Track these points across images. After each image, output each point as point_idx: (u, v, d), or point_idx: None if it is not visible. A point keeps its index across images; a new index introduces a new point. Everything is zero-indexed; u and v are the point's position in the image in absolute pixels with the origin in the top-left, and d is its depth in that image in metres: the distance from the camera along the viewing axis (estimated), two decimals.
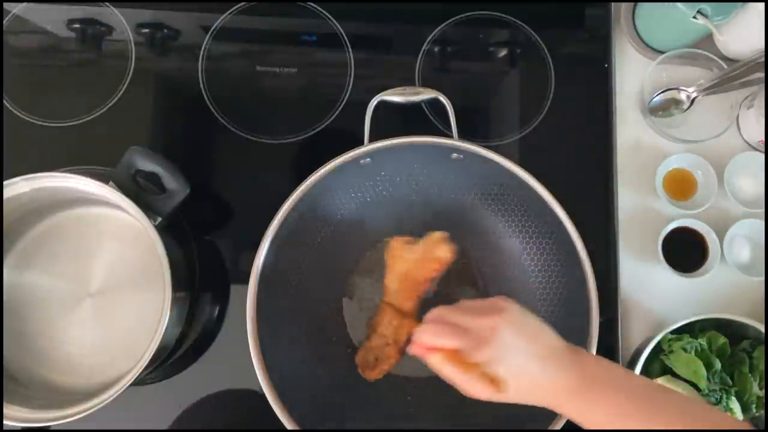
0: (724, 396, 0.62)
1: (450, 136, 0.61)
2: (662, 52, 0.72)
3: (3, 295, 0.63)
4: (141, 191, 0.59)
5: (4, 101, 0.71)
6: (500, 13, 0.76)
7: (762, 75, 0.67)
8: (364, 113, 0.61)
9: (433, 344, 0.46)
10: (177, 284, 0.56)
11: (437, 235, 0.60)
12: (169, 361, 0.65)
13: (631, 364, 0.65)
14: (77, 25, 0.74)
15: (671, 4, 0.67)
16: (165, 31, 0.75)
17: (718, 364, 0.63)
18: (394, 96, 0.62)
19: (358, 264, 0.68)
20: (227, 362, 0.66)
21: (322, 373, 0.63)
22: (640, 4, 0.75)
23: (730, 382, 0.63)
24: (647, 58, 0.75)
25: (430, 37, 0.75)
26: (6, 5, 0.74)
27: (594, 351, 0.56)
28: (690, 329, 0.65)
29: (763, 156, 0.71)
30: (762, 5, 0.65)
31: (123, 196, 0.57)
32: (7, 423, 0.54)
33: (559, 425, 0.54)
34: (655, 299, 0.70)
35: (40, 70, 0.74)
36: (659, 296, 0.70)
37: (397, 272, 0.61)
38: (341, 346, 0.66)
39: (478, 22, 0.76)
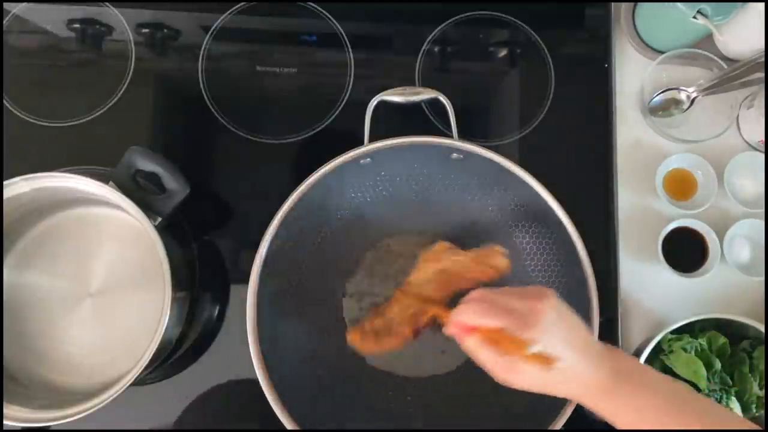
0: (724, 396, 0.62)
1: (450, 136, 0.61)
2: (662, 52, 0.72)
3: (3, 295, 0.63)
4: (141, 191, 0.59)
5: (4, 101, 0.71)
6: (500, 13, 0.76)
7: (762, 75, 0.67)
8: (364, 113, 0.61)
9: (476, 323, 0.46)
10: (177, 284, 0.57)
11: (497, 247, 0.59)
12: (169, 361, 0.65)
13: None
14: (77, 25, 0.74)
15: (671, 4, 0.67)
16: (165, 31, 0.75)
17: (718, 364, 0.63)
18: (394, 96, 0.62)
19: (358, 264, 0.68)
20: (227, 362, 0.66)
21: (322, 373, 0.63)
22: (640, 4, 0.75)
23: (730, 382, 0.63)
24: (647, 58, 0.75)
25: (430, 37, 0.75)
26: (6, 5, 0.74)
27: None
28: (690, 329, 0.65)
29: (763, 156, 0.71)
30: (762, 5, 0.65)
31: (123, 196, 0.57)
32: (7, 423, 0.54)
33: (559, 425, 0.54)
34: (655, 299, 0.70)
35: (40, 70, 0.74)
36: (659, 296, 0.70)
37: (434, 268, 0.60)
38: (341, 346, 0.66)
39: (478, 22, 0.76)
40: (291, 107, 0.74)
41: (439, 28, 0.76)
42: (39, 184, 0.58)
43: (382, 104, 0.61)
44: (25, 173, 0.58)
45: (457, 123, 0.62)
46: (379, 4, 0.77)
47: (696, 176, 0.72)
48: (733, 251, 0.70)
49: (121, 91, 0.72)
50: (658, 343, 0.64)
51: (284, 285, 0.63)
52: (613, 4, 0.77)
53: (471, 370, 0.65)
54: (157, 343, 0.55)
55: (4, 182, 0.57)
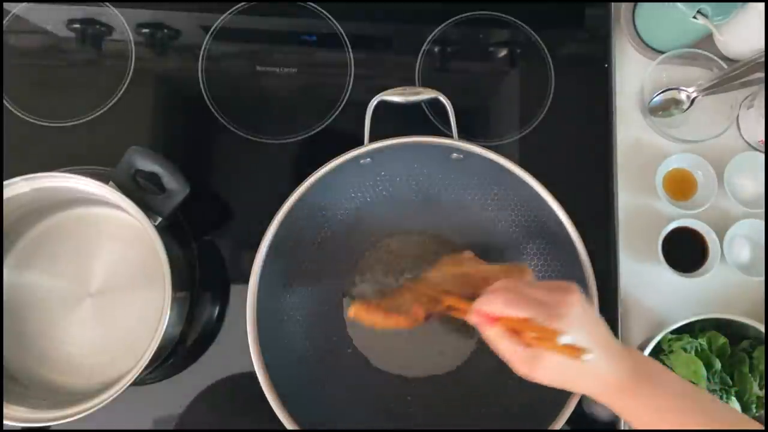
0: (724, 396, 0.62)
1: (450, 136, 0.61)
2: (662, 52, 0.72)
3: (3, 295, 0.63)
4: (141, 191, 0.59)
5: (4, 101, 0.71)
6: (500, 13, 0.76)
7: (762, 75, 0.67)
8: (364, 113, 0.61)
9: (503, 313, 0.45)
10: (177, 284, 0.57)
11: (525, 265, 0.59)
12: (169, 361, 0.65)
13: None
14: (77, 25, 0.74)
15: (671, 4, 0.67)
16: (165, 31, 0.75)
17: (718, 364, 0.63)
18: (394, 96, 0.62)
19: (358, 264, 0.68)
20: (227, 362, 0.66)
21: (322, 373, 0.63)
22: (640, 4, 0.75)
23: (730, 382, 0.63)
24: (647, 58, 0.75)
25: (430, 37, 0.75)
26: (6, 5, 0.74)
27: None
28: (690, 329, 0.65)
29: (763, 156, 0.71)
30: (762, 5, 0.65)
31: (123, 196, 0.57)
32: (7, 423, 0.54)
33: (559, 425, 0.54)
34: (655, 299, 0.70)
35: (40, 70, 0.74)
36: (659, 296, 0.70)
37: (455, 271, 0.59)
38: (341, 346, 0.66)
39: (478, 22, 0.76)
40: (291, 107, 0.74)
41: (439, 28, 0.76)
42: (39, 184, 0.58)
43: (382, 104, 0.61)
44: (25, 173, 0.58)
45: (457, 123, 0.62)
46: (379, 4, 0.77)
47: (696, 176, 0.72)
48: (733, 251, 0.70)
49: (121, 91, 0.72)
50: (658, 343, 0.64)
51: (284, 285, 0.63)
52: (613, 4, 0.77)
53: (471, 371, 0.65)
54: (157, 343, 0.55)
55: (4, 182, 0.57)
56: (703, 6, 0.65)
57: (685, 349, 0.63)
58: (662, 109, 0.72)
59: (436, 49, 0.76)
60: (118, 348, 0.62)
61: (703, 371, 0.62)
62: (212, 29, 0.75)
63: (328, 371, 0.64)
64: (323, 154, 0.59)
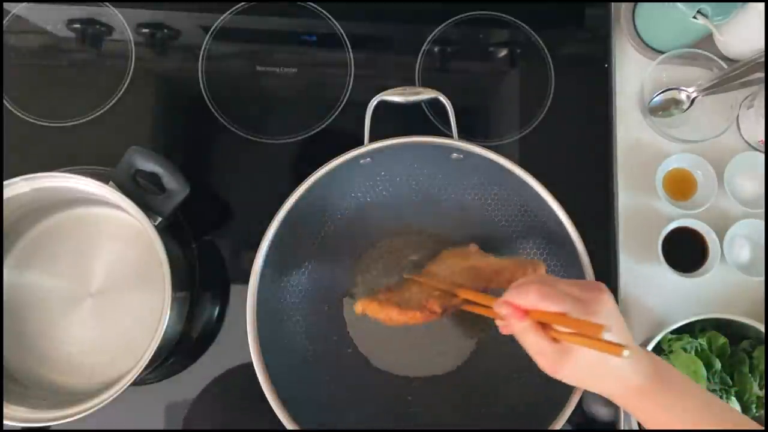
0: (724, 396, 0.62)
1: (450, 136, 0.61)
2: (662, 52, 0.72)
3: (3, 295, 0.63)
4: (141, 191, 0.59)
5: (4, 101, 0.71)
6: (500, 13, 0.76)
7: (762, 75, 0.67)
8: (364, 113, 0.61)
9: (538, 306, 0.44)
10: (177, 284, 0.57)
11: (538, 260, 0.58)
12: (169, 361, 0.65)
13: None
14: (77, 25, 0.74)
15: (671, 4, 0.67)
16: (165, 31, 0.75)
17: (718, 364, 0.63)
18: (394, 96, 0.62)
19: (358, 263, 0.68)
20: (227, 362, 0.66)
21: (322, 373, 0.63)
22: (640, 4, 0.75)
23: (730, 382, 0.63)
24: (647, 58, 0.75)
25: (430, 37, 0.75)
26: (6, 5, 0.74)
27: None
28: (690, 329, 0.65)
29: (763, 156, 0.71)
30: (762, 5, 0.65)
31: (123, 196, 0.57)
32: (7, 423, 0.54)
33: (559, 425, 0.54)
34: (655, 299, 0.70)
35: (40, 70, 0.74)
36: (659, 296, 0.70)
37: (462, 265, 0.58)
38: (341, 346, 0.66)
39: (478, 22, 0.76)
40: (291, 107, 0.74)
41: (439, 28, 0.76)
42: (39, 184, 0.58)
43: (382, 104, 0.61)
44: (25, 173, 0.58)
45: (457, 123, 0.62)
46: (379, 4, 0.77)
47: (696, 176, 0.72)
48: (733, 251, 0.70)
49: (121, 91, 0.72)
50: (658, 343, 0.64)
51: (284, 285, 0.63)
52: (613, 4, 0.77)
53: (471, 371, 0.65)
54: (157, 343, 0.55)
55: (4, 182, 0.57)
56: (703, 6, 0.65)
57: (685, 349, 0.63)
58: (662, 109, 0.72)
59: (436, 49, 0.76)
60: (118, 348, 0.62)
61: (703, 371, 0.62)
62: (212, 29, 0.75)
63: (328, 371, 0.64)
64: (323, 154, 0.59)
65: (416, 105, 0.62)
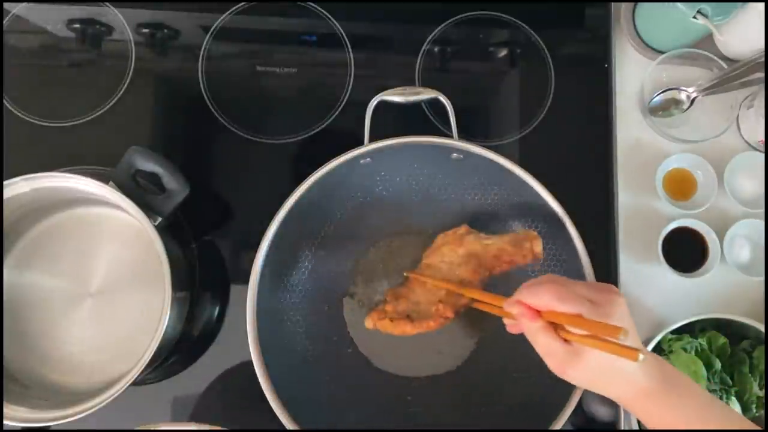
0: (724, 396, 0.62)
1: (450, 136, 0.61)
2: (662, 52, 0.72)
3: (3, 295, 0.63)
4: (141, 191, 0.59)
5: (4, 101, 0.71)
6: (500, 13, 0.76)
7: (762, 75, 0.67)
8: (364, 113, 0.61)
9: (553, 307, 0.44)
10: (177, 284, 0.57)
11: (532, 231, 0.58)
12: (169, 361, 0.65)
13: None
14: (77, 25, 0.74)
15: (671, 4, 0.67)
16: (165, 31, 0.75)
17: (718, 364, 0.63)
18: (394, 96, 0.62)
19: (358, 263, 0.68)
20: (227, 362, 0.66)
21: (321, 373, 0.63)
22: (640, 4, 0.75)
23: (730, 382, 0.63)
24: (647, 58, 0.75)
25: (430, 37, 0.75)
26: (6, 5, 0.74)
27: None
28: (690, 329, 0.65)
29: (763, 156, 0.71)
30: (762, 5, 0.65)
31: (123, 196, 0.57)
32: (7, 423, 0.55)
33: (559, 425, 0.54)
34: (655, 299, 0.70)
35: (40, 70, 0.74)
36: (659, 296, 0.70)
37: (459, 252, 0.58)
38: (341, 346, 0.66)
39: (478, 22, 0.76)
40: (291, 107, 0.74)
41: (439, 28, 0.76)
42: (39, 184, 0.58)
43: (382, 104, 0.61)
44: (25, 173, 0.58)
45: (457, 123, 0.62)
46: (379, 4, 0.77)
47: (696, 176, 0.72)
48: (733, 251, 0.70)
49: (121, 91, 0.72)
50: (658, 343, 0.64)
51: (284, 285, 0.63)
52: (613, 4, 0.77)
53: (471, 371, 0.65)
54: (157, 343, 0.55)
55: (4, 182, 0.58)
56: (703, 6, 0.65)
57: (685, 349, 0.63)
58: (662, 109, 0.72)
59: (436, 49, 0.76)
60: (118, 348, 0.62)
61: (703, 371, 0.62)
62: (212, 29, 0.75)
63: (328, 371, 0.64)
64: (323, 154, 0.59)
65: (416, 105, 0.62)
